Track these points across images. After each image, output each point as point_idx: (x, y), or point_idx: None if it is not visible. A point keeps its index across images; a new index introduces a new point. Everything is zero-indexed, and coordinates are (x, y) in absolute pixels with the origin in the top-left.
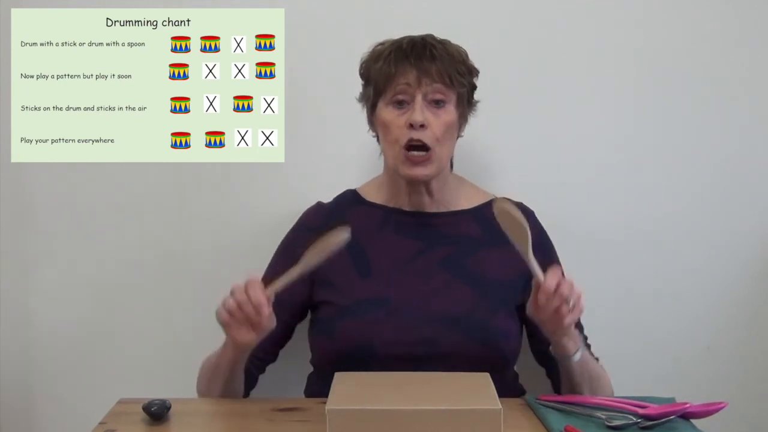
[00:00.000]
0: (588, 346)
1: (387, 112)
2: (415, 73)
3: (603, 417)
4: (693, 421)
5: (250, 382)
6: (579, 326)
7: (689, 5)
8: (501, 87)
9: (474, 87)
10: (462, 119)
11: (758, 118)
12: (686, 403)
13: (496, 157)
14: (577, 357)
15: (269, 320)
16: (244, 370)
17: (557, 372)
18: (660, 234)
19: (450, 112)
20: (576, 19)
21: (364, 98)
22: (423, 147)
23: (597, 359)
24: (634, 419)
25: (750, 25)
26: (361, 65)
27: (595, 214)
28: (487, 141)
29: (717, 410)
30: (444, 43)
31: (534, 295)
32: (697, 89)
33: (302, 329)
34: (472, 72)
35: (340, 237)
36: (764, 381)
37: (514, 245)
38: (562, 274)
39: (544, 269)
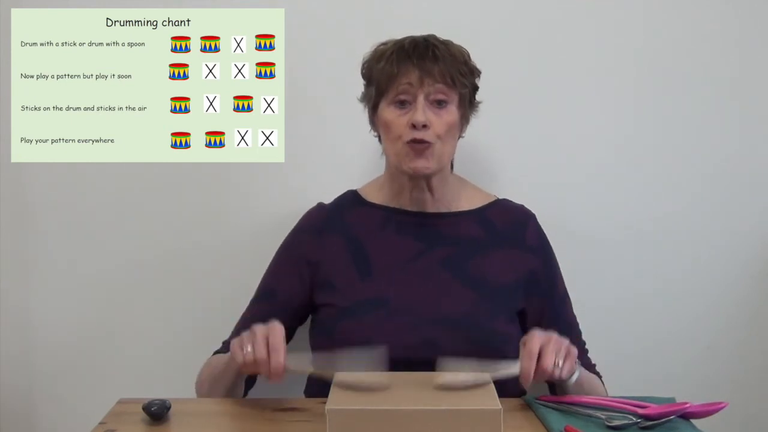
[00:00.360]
0: (585, 352)
1: (389, 112)
2: (418, 73)
3: (603, 417)
4: (693, 421)
5: (249, 384)
6: (577, 332)
7: (689, 5)
8: (501, 88)
9: (476, 88)
10: (463, 120)
11: (758, 118)
12: (686, 403)
13: (496, 158)
14: (573, 380)
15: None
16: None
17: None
18: (660, 234)
19: (452, 113)
20: (576, 19)
21: (365, 98)
22: (424, 141)
23: (594, 365)
24: (634, 419)
25: (750, 25)
26: (363, 65)
27: (595, 215)
28: (488, 142)
29: (717, 410)
30: (446, 44)
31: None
32: (697, 89)
33: (304, 330)
34: (474, 73)
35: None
36: (764, 381)
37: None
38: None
39: (544, 277)
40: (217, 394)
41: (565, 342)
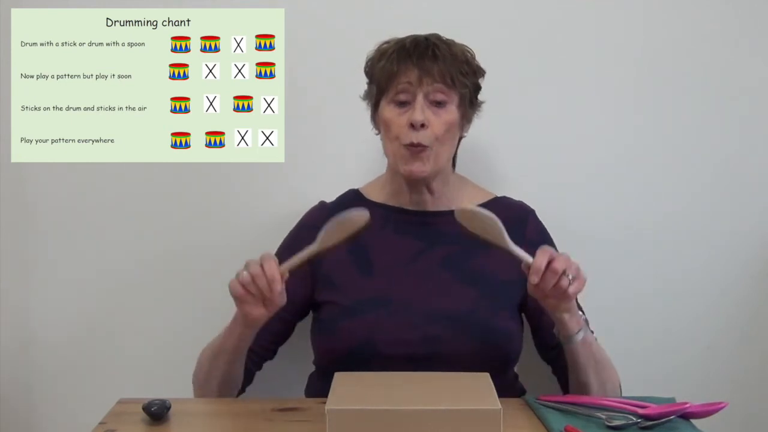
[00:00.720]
0: (591, 332)
1: (389, 111)
2: (417, 73)
3: (603, 417)
4: (693, 421)
5: (247, 378)
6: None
7: (689, 5)
8: (503, 88)
9: (478, 87)
10: (464, 120)
11: (758, 118)
12: (686, 403)
13: (497, 157)
14: (580, 336)
15: (281, 297)
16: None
17: (562, 366)
18: (660, 234)
19: (451, 112)
20: (578, 20)
21: (368, 96)
22: (423, 146)
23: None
24: (634, 419)
25: (750, 26)
26: (366, 63)
27: (595, 214)
28: (488, 141)
29: (717, 410)
30: (448, 44)
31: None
32: (698, 89)
33: (304, 329)
34: (477, 73)
35: (359, 219)
36: (764, 381)
37: (492, 243)
38: (556, 250)
39: None
40: (218, 374)
41: (577, 263)
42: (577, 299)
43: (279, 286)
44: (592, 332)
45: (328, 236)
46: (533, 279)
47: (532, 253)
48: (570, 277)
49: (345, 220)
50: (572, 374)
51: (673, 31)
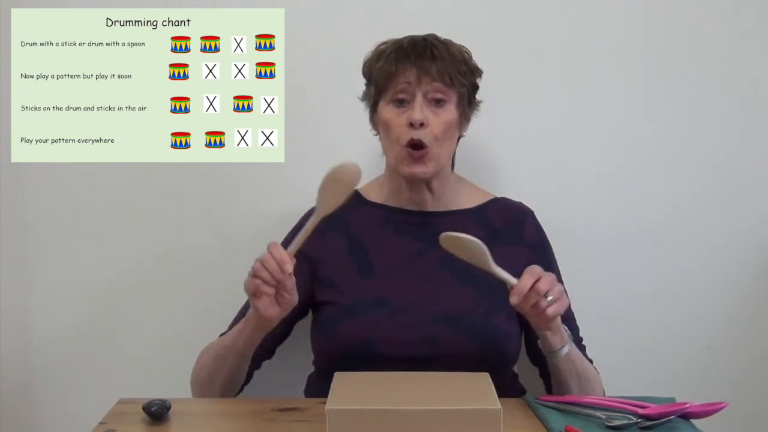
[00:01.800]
0: (582, 348)
1: (387, 111)
2: (416, 72)
3: (603, 417)
4: (693, 421)
5: (247, 377)
6: (574, 327)
7: (690, 5)
8: (502, 87)
9: (476, 87)
10: (463, 119)
11: (758, 119)
12: (686, 403)
13: (496, 157)
14: (563, 352)
15: (293, 292)
16: None
17: (548, 373)
18: (660, 234)
19: (450, 112)
20: (578, 19)
21: (366, 97)
22: (421, 145)
23: (591, 361)
24: (634, 419)
25: (750, 25)
26: (364, 64)
27: (595, 215)
28: (488, 141)
29: (717, 410)
30: (446, 43)
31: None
32: (698, 89)
33: (304, 330)
34: (474, 72)
35: (352, 170)
36: (764, 381)
37: (476, 265)
38: (552, 252)
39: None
40: (222, 373)
41: (561, 286)
42: (572, 313)
43: (289, 267)
44: (584, 347)
45: (327, 199)
46: (513, 300)
47: (528, 254)
48: (549, 298)
49: (337, 175)
50: (554, 384)
51: (674, 31)
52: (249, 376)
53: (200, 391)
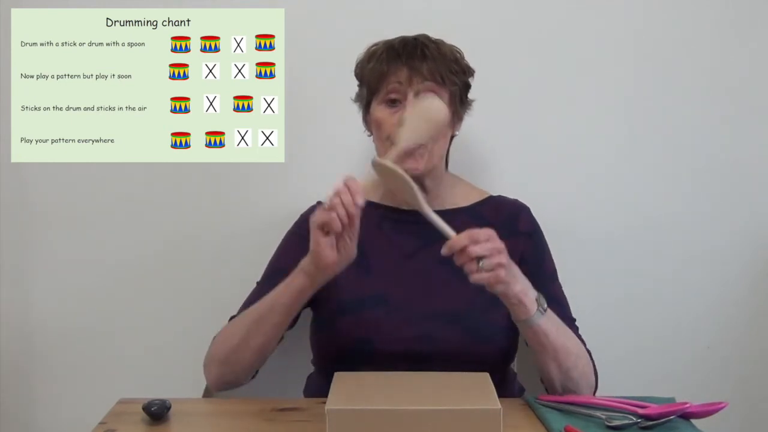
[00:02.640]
0: (576, 328)
1: (380, 111)
2: (407, 72)
3: (603, 417)
4: (693, 421)
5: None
6: (565, 305)
7: (688, 6)
8: (497, 86)
9: (468, 86)
10: (455, 118)
11: (758, 119)
12: (686, 403)
13: (492, 156)
14: (530, 323)
15: (354, 241)
16: None
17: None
18: (660, 234)
19: None
20: (574, 18)
21: (359, 98)
22: None
23: (584, 342)
24: (634, 419)
25: (749, 25)
26: (356, 66)
27: (593, 214)
28: (483, 140)
29: (717, 410)
30: (437, 43)
31: None
32: (699, 89)
33: (303, 330)
34: (466, 72)
35: (439, 107)
36: (764, 381)
37: (412, 205)
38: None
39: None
40: (259, 336)
41: (504, 259)
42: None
43: (361, 199)
44: (577, 327)
45: (412, 130)
46: (443, 251)
47: (523, 244)
48: (481, 264)
49: (426, 110)
50: (535, 363)
51: (672, 30)
52: (254, 374)
53: (220, 367)
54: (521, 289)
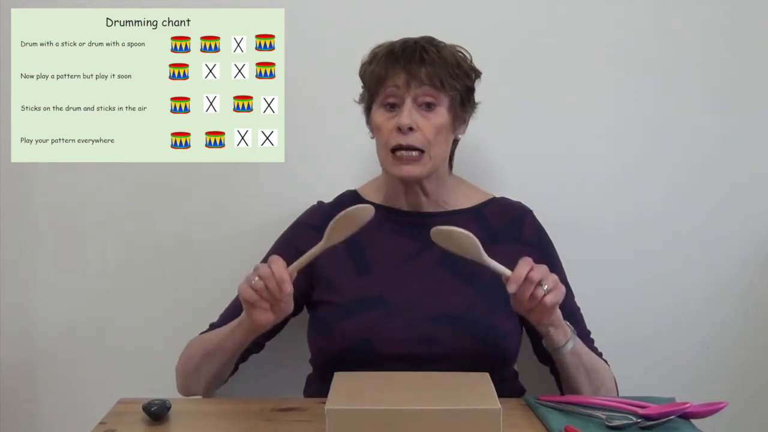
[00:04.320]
0: (591, 341)
1: (379, 115)
2: (404, 76)
3: (603, 417)
4: (693, 421)
5: (232, 371)
6: (580, 320)
7: (689, 6)
8: (501, 88)
9: (471, 89)
10: (457, 122)
11: (758, 118)
12: (686, 403)
13: (495, 158)
14: (568, 347)
15: (288, 301)
16: None
17: (557, 369)
18: (660, 234)
19: (441, 115)
20: (578, 21)
21: (362, 100)
22: (413, 148)
23: (600, 354)
24: (634, 419)
25: (747, 25)
26: (361, 67)
27: (594, 215)
28: (487, 142)
29: (717, 410)
30: (438, 47)
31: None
32: (699, 88)
33: (302, 330)
34: (469, 74)
35: (364, 214)
36: (764, 381)
37: (470, 258)
38: (553, 250)
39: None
40: (210, 370)
41: (555, 276)
42: (577, 308)
43: (288, 287)
44: (592, 340)
45: (334, 233)
46: (511, 287)
47: (529, 254)
48: (545, 287)
49: (351, 214)
50: (564, 381)
51: (671, 31)
52: (235, 369)
53: (185, 383)
54: (559, 311)
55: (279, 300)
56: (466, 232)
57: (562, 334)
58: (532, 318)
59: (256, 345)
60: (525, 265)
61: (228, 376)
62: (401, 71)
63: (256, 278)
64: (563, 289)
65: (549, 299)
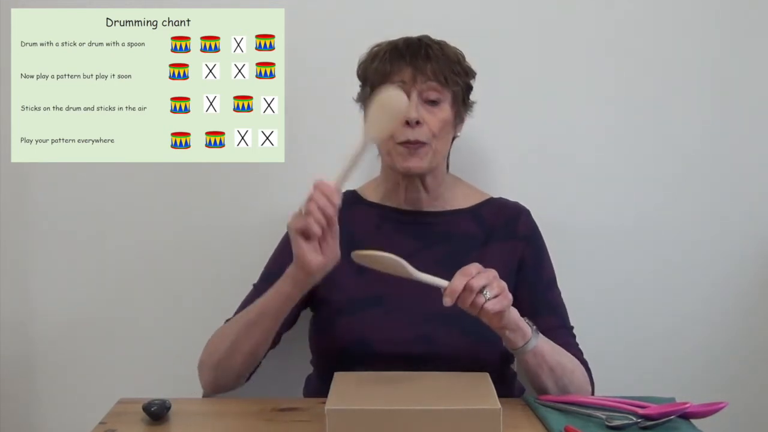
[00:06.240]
0: (572, 336)
1: None
2: (411, 71)
3: (603, 417)
4: (693, 421)
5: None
6: (564, 318)
7: (689, 6)
8: (497, 88)
9: (470, 88)
10: (457, 119)
11: (758, 116)
12: (686, 403)
13: (492, 158)
14: (527, 348)
15: (335, 245)
16: None
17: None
18: (659, 233)
19: (445, 110)
20: (574, 19)
21: (361, 99)
22: (420, 142)
23: (580, 352)
24: (634, 419)
25: (746, 25)
26: (359, 66)
27: (592, 214)
28: (483, 141)
29: (717, 410)
30: (440, 44)
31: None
32: (699, 89)
33: (303, 330)
34: (468, 73)
35: (399, 98)
36: (764, 381)
37: (400, 275)
38: (545, 249)
39: (531, 262)
40: (249, 341)
41: (503, 283)
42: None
43: (337, 198)
44: (575, 335)
45: (373, 125)
46: (446, 302)
47: (522, 248)
48: (487, 294)
49: (385, 101)
50: (529, 380)
51: (673, 30)
52: (257, 365)
53: (215, 375)
54: (516, 313)
55: (330, 219)
56: (390, 255)
57: (520, 336)
58: (489, 324)
59: (277, 335)
60: (462, 277)
61: (264, 354)
62: (407, 67)
63: (305, 202)
64: (510, 296)
65: (490, 306)
